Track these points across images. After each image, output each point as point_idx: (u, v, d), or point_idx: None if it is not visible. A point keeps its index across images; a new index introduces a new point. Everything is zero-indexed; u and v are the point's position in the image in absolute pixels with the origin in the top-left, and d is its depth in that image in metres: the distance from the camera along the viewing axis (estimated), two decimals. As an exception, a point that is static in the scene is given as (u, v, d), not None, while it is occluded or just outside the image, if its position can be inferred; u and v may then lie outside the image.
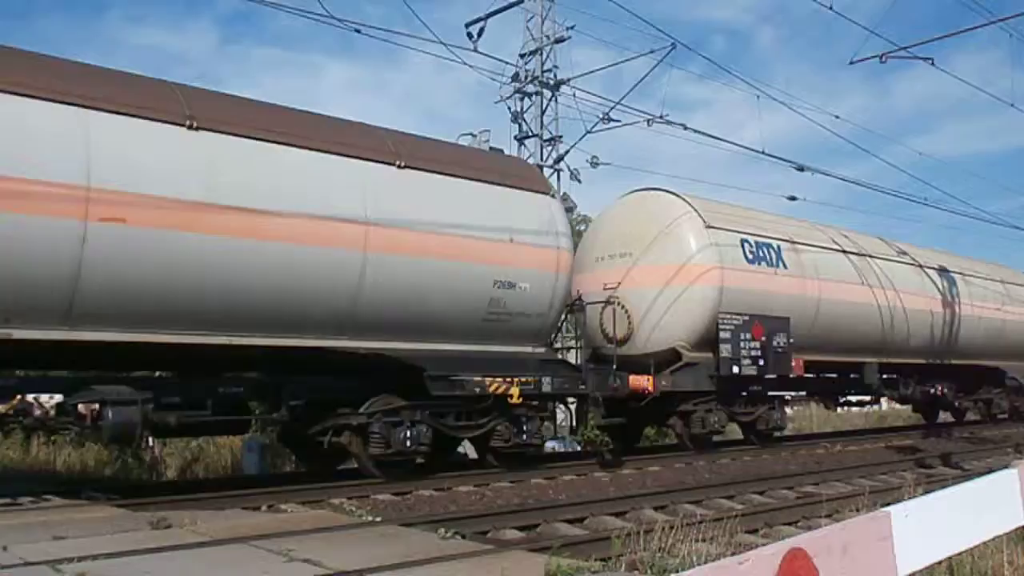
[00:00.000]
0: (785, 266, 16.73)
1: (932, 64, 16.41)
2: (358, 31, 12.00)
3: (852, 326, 18.14)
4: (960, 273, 22.48)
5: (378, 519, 8.56)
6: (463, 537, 7.39)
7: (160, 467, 15.48)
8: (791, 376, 16.28)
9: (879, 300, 18.85)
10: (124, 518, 7.96)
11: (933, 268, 21.51)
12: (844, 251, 18.64)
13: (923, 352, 20.80)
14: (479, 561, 6.22)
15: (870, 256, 19.35)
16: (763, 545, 3.18)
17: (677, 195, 16.02)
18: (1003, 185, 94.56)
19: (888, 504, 3.55)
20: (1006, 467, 3.92)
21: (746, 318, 15.36)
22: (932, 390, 21.48)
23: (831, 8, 15.43)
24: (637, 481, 12.38)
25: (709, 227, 15.46)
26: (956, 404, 23.95)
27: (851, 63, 16.27)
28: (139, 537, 6.86)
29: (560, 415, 16.65)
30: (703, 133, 15.91)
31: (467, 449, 14.76)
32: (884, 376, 20.06)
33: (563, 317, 14.62)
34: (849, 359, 18.77)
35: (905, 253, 21.03)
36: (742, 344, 15.20)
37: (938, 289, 21.28)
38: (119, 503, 8.89)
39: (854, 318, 18.15)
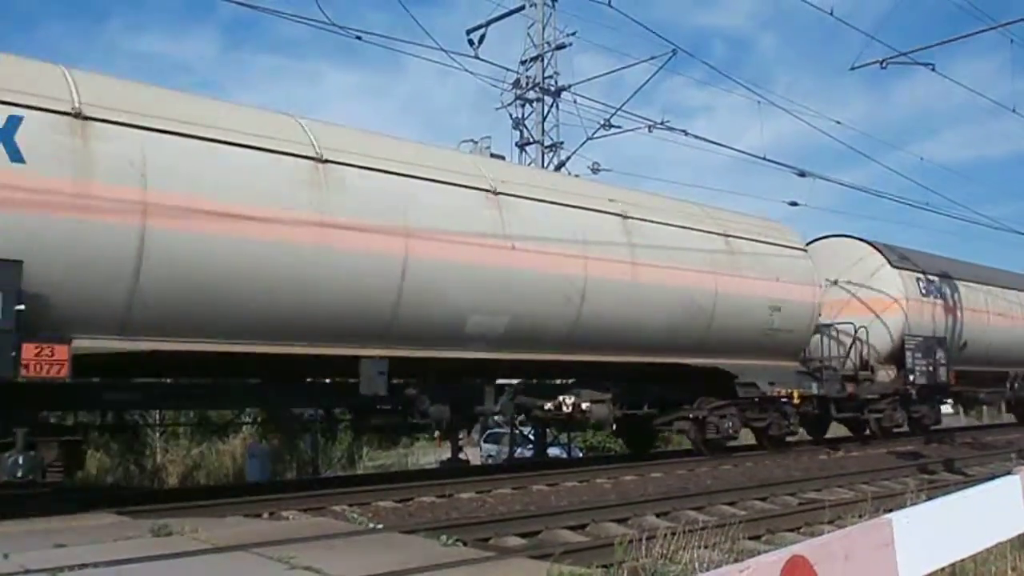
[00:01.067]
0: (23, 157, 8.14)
1: (933, 70, 16.48)
2: (359, 38, 12.02)
3: (281, 287, 9.58)
4: (621, 215, 13.43)
5: (379, 526, 8.55)
6: (464, 544, 7.38)
7: (162, 474, 15.49)
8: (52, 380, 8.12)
9: (357, 244, 10.11)
10: (125, 526, 7.94)
11: (523, 198, 12.09)
12: (243, 145, 9.63)
13: (531, 342, 12.07)
14: (480, 568, 6.22)
15: (326, 161, 10.17)
16: (765, 552, 3.17)
17: None
18: (1005, 190, 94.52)
19: (890, 510, 3.54)
20: (1008, 473, 3.91)
21: None
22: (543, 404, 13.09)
23: (831, 14, 15.51)
24: (639, 487, 12.36)
25: None
26: (613, 426, 15.46)
27: (852, 69, 16.31)
28: (140, 544, 6.85)
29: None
30: (704, 139, 15.95)
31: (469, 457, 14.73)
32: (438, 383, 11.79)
33: None
34: (316, 350, 10.20)
35: (462, 172, 11.69)
36: None
37: (549, 235, 12.10)
38: (120, 510, 8.87)
39: (274, 275, 9.52)
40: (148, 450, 15.84)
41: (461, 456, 16.93)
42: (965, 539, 3.45)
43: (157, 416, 13.65)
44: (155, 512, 8.80)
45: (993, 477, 4.60)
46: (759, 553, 3.97)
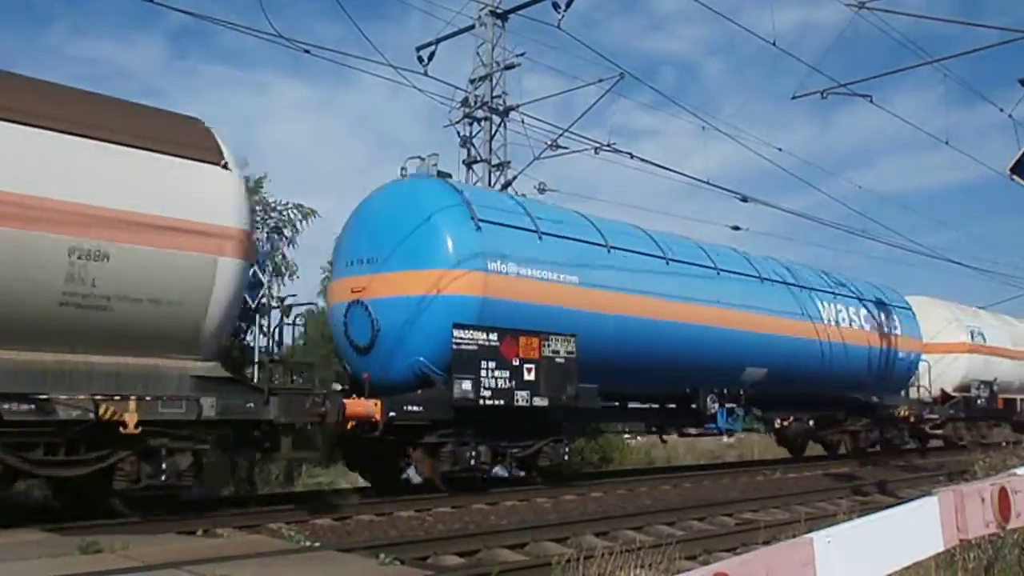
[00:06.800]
0: None
1: (871, 101, 17.00)
2: (307, 51, 11.94)
3: None
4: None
5: (317, 544, 8.46)
6: (402, 563, 7.36)
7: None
8: None
9: None
10: (52, 542, 7.75)
11: None
12: None
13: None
14: (416, 587, 6.20)
15: None
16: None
17: None
18: (939, 219, 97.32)
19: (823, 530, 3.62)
20: (929, 494, 4.05)
21: None
22: None
23: (774, 44, 15.89)
24: (579, 507, 12.41)
25: None
26: None
27: (794, 98, 16.73)
28: (67, 562, 6.70)
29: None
30: (649, 162, 15.91)
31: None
32: None
33: None
34: None
35: None
36: None
37: None
38: (48, 527, 8.65)
39: None
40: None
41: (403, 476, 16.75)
42: (884, 558, 3.54)
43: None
44: (85, 529, 8.59)
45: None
46: (690, 572, 4.04)
